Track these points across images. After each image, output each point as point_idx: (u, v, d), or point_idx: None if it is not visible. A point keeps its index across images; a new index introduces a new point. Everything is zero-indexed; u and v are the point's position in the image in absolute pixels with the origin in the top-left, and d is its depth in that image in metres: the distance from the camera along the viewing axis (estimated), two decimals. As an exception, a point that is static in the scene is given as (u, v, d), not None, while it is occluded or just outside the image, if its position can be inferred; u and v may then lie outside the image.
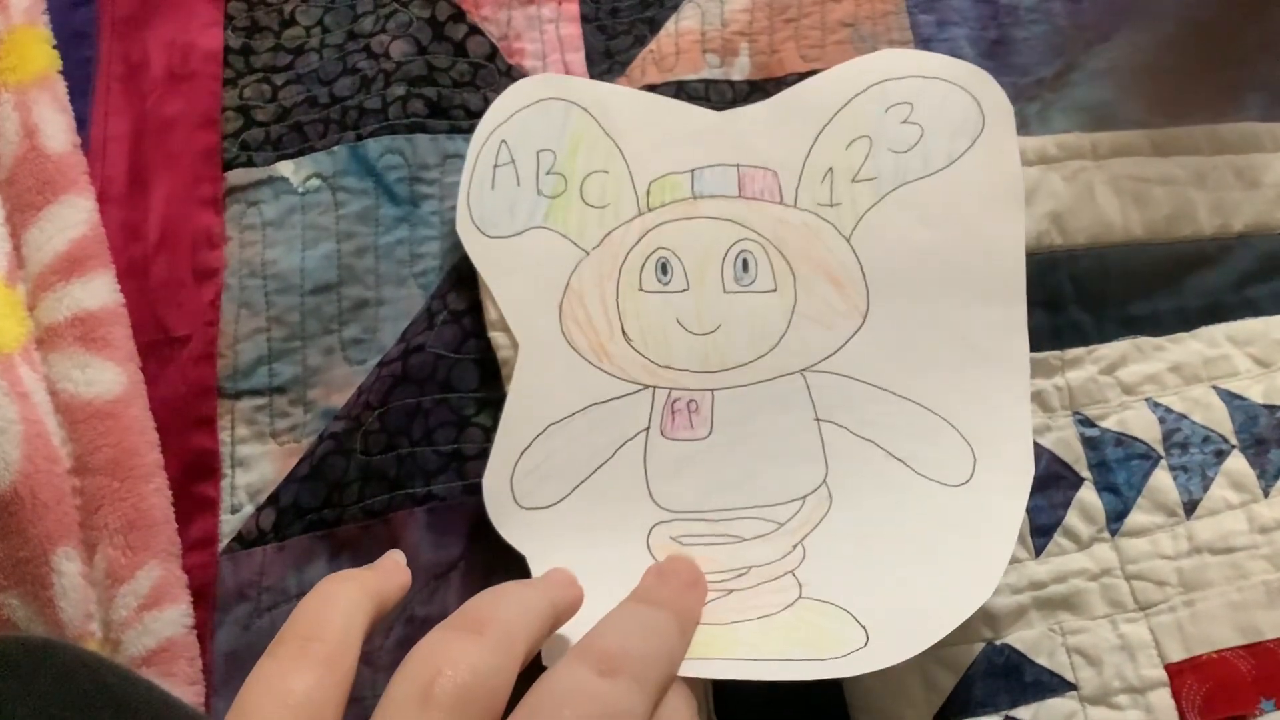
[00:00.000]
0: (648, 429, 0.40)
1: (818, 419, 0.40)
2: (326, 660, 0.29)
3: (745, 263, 0.41)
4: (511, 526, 0.39)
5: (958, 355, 0.40)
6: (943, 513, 0.38)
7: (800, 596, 0.37)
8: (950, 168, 0.41)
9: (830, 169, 0.42)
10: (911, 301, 0.40)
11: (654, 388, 0.40)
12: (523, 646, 0.30)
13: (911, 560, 0.37)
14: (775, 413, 0.40)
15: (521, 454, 0.39)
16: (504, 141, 0.43)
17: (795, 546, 0.38)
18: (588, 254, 0.42)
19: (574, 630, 0.34)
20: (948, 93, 0.42)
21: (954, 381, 0.39)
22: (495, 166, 0.43)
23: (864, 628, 0.36)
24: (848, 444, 0.39)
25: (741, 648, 0.35)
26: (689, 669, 0.33)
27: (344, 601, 0.31)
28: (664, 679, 0.31)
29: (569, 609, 0.34)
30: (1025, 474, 0.38)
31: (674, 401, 0.40)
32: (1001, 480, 0.38)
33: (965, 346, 0.40)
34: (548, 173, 0.43)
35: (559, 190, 0.42)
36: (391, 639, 0.39)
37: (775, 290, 0.41)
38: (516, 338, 0.40)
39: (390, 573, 0.35)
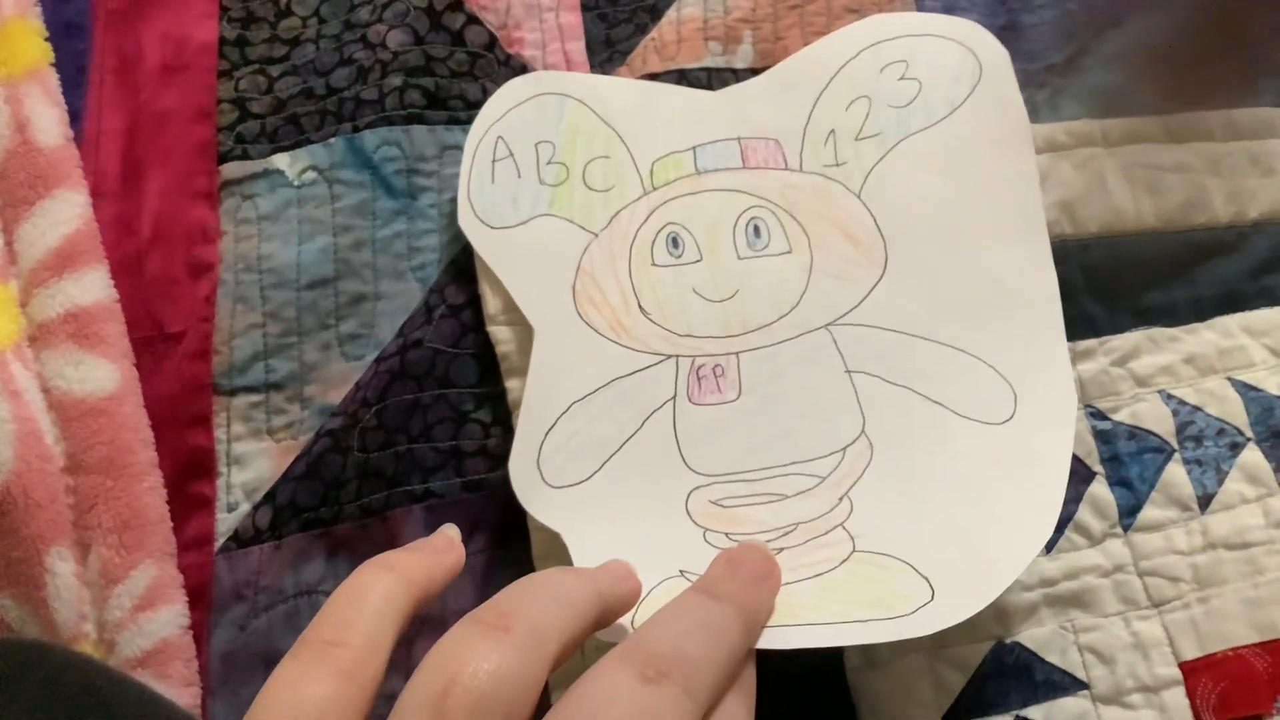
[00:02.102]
0: (674, 397, 0.39)
1: (849, 370, 0.39)
2: (348, 668, 0.27)
3: (757, 228, 0.40)
4: (542, 506, 0.37)
5: (984, 295, 0.39)
6: (989, 452, 0.36)
7: (854, 550, 0.36)
8: (953, 115, 0.41)
9: (832, 131, 0.41)
10: (931, 248, 0.40)
11: (676, 357, 0.39)
12: (554, 645, 0.27)
13: (964, 504, 0.36)
14: (804, 368, 0.39)
15: (546, 434, 0.38)
16: (500, 137, 0.42)
17: (841, 499, 0.37)
18: (596, 236, 0.41)
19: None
20: (941, 47, 0.42)
21: (984, 321, 0.38)
22: (494, 161, 0.42)
23: (926, 579, 0.34)
24: (883, 392, 0.38)
25: (804, 612, 0.33)
26: None
27: (375, 598, 0.28)
28: (719, 684, 0.28)
29: (621, 603, 0.31)
30: (1069, 404, 0.37)
31: (699, 368, 0.39)
32: (1046, 413, 0.37)
33: (991, 286, 0.39)
34: (548, 163, 0.42)
35: (561, 178, 0.42)
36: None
37: (790, 252, 0.40)
38: (531, 321, 0.40)
39: (439, 552, 0.32)
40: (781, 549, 0.36)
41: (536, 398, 0.39)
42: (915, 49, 0.42)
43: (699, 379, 0.39)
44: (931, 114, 0.41)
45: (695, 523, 0.37)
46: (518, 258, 0.41)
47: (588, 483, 0.38)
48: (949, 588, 0.34)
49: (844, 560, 0.36)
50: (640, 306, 0.40)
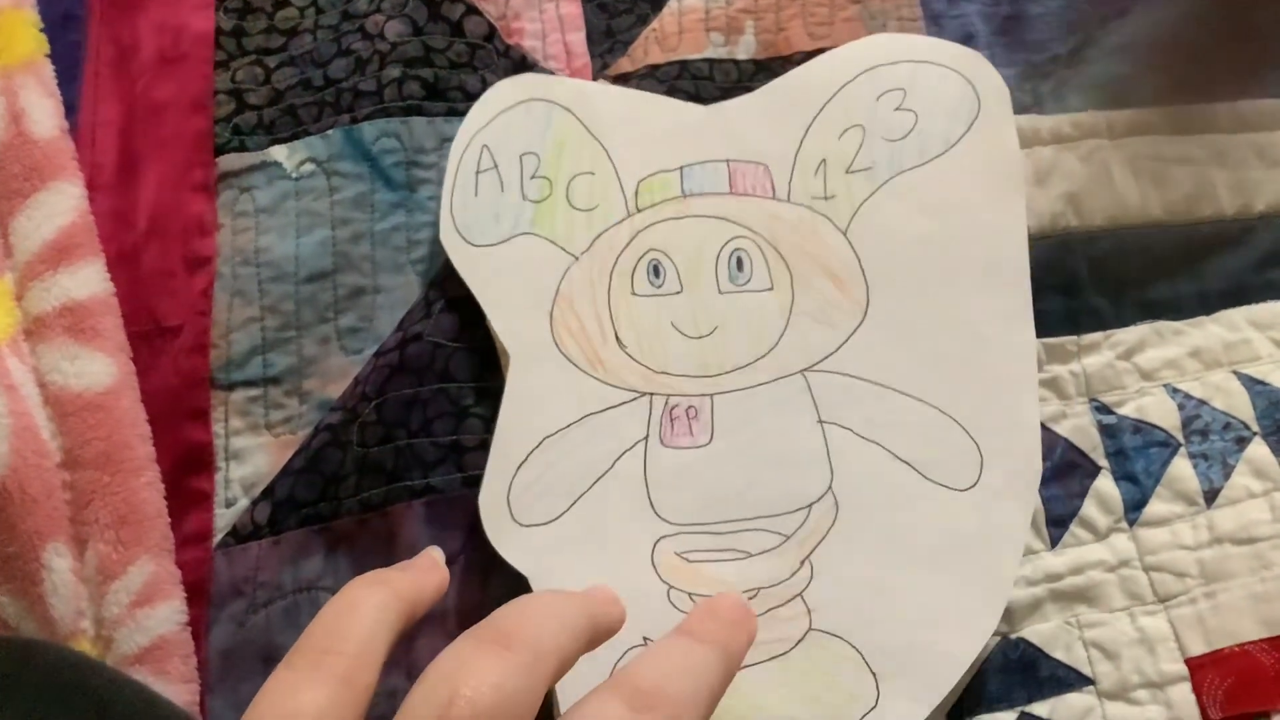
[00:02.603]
0: (646, 438, 0.39)
1: (821, 421, 0.39)
2: (343, 676, 0.27)
3: (740, 261, 0.40)
4: (510, 545, 0.38)
5: (962, 348, 0.39)
6: (951, 521, 0.37)
7: (810, 628, 0.36)
8: (946, 154, 0.40)
9: (823, 160, 0.41)
10: (913, 294, 0.39)
11: (651, 395, 0.39)
12: (553, 664, 0.28)
13: (921, 581, 0.36)
14: (777, 416, 0.39)
15: (518, 469, 0.38)
16: (485, 146, 0.42)
17: (803, 563, 0.37)
18: (577, 259, 0.41)
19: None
20: (941, 77, 0.41)
21: (959, 376, 0.38)
22: (478, 173, 0.42)
23: (874, 675, 0.36)
24: (853, 447, 0.38)
25: (755, 712, 0.35)
26: None
27: (369, 609, 0.29)
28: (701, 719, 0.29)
29: (609, 628, 0.32)
30: (1033, 473, 0.37)
31: (672, 408, 0.39)
32: (1009, 482, 0.37)
33: (969, 338, 0.39)
34: (532, 177, 0.41)
35: (544, 194, 0.41)
36: (390, 635, 0.38)
37: (772, 289, 0.40)
38: (507, 348, 0.39)
39: (425, 572, 0.33)
40: None
41: (509, 430, 0.39)
42: (915, 77, 0.41)
43: (672, 420, 0.39)
44: (925, 151, 0.40)
45: (660, 577, 0.37)
46: (496, 279, 0.40)
47: (556, 523, 0.38)
48: (895, 689, 0.35)
49: (800, 640, 0.36)
50: (618, 338, 0.40)
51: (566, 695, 0.35)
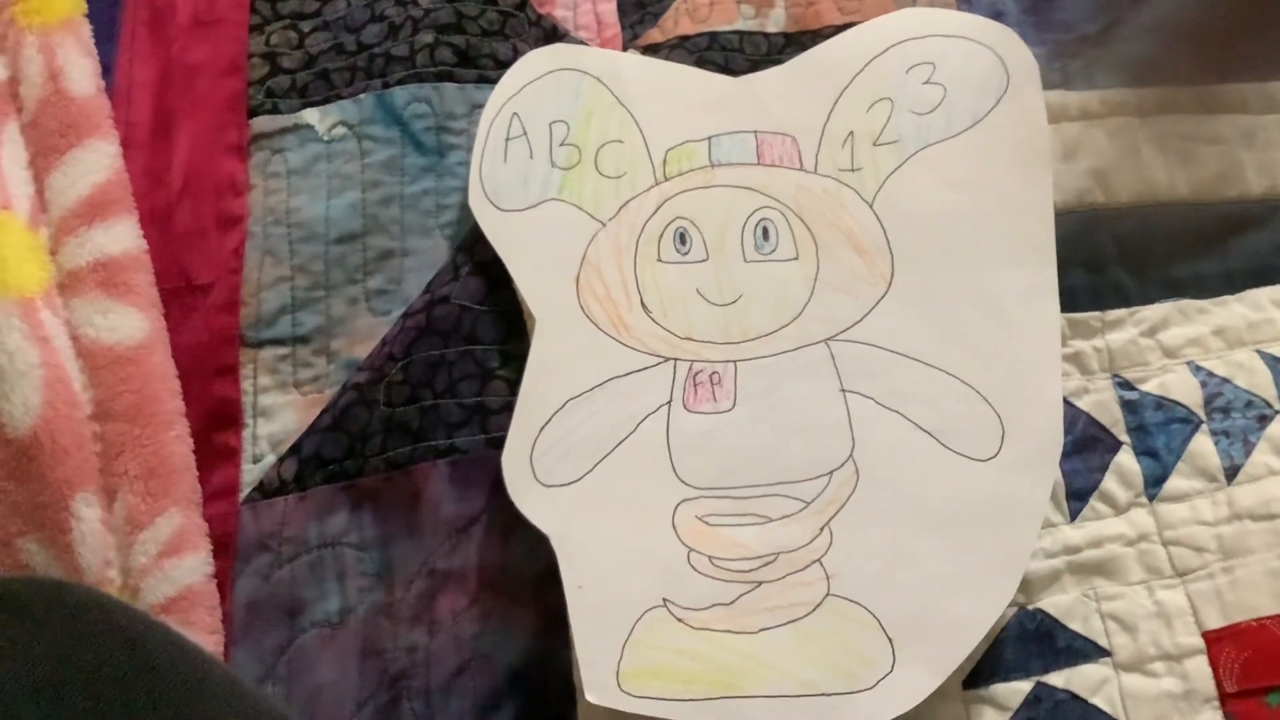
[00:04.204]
0: (669, 402, 0.39)
1: (843, 389, 0.39)
2: None
3: (766, 231, 0.40)
4: (533, 504, 0.38)
5: (985, 321, 0.39)
6: (969, 492, 0.37)
7: (828, 593, 0.37)
8: (975, 128, 0.40)
9: (851, 133, 0.41)
10: (937, 266, 0.39)
11: (675, 360, 0.39)
12: None
13: (939, 549, 0.37)
14: (800, 384, 0.39)
15: (541, 430, 0.39)
16: (515, 114, 0.42)
17: (823, 529, 0.37)
18: (604, 225, 0.41)
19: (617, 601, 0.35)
20: (970, 51, 0.41)
21: (982, 348, 0.38)
22: (507, 140, 0.42)
23: (890, 641, 0.36)
24: (874, 415, 0.38)
25: (772, 675, 0.36)
26: (724, 707, 0.35)
27: None
28: None
29: None
30: (1052, 447, 0.37)
31: (696, 374, 0.39)
32: (1028, 455, 0.37)
33: (993, 312, 0.39)
34: (561, 144, 0.42)
35: (573, 162, 0.42)
36: (413, 592, 0.38)
37: (797, 258, 0.40)
38: (533, 312, 0.40)
39: None
40: (761, 582, 0.37)
41: (533, 392, 0.39)
42: (944, 51, 0.41)
43: (695, 385, 0.39)
44: (953, 124, 0.41)
45: (681, 540, 0.38)
46: (524, 243, 0.41)
47: (579, 484, 0.38)
48: (911, 655, 0.35)
49: (818, 605, 0.37)
50: (643, 303, 0.40)
51: (585, 650, 0.36)
